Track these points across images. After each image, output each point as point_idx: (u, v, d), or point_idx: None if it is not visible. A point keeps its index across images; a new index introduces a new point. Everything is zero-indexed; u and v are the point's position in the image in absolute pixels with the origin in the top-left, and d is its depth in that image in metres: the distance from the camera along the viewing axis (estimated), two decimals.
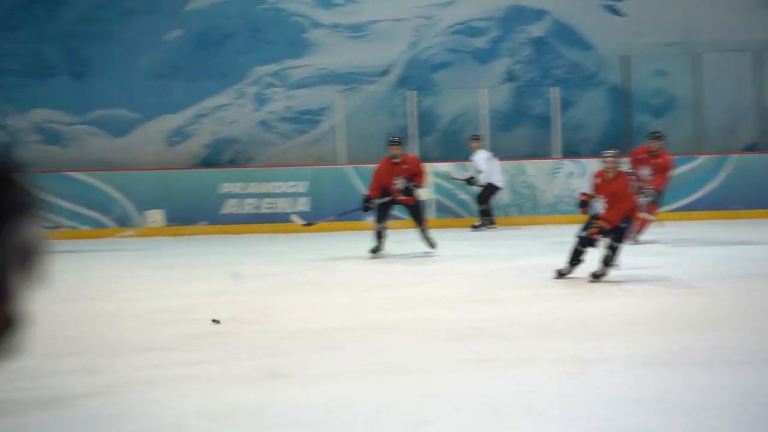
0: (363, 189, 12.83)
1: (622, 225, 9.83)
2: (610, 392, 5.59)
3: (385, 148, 12.83)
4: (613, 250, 9.78)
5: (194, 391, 5.75)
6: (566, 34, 18.11)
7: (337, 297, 9.48)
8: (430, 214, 16.28)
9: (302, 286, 10.29)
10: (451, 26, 18.13)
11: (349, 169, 16.44)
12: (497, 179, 16.02)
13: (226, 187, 16.60)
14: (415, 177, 12.51)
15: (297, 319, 8.29)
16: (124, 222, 16.35)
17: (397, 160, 12.49)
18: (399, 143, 12.59)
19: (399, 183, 12.47)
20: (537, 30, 18.11)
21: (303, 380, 6.04)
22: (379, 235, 12.44)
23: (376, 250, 12.42)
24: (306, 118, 17.95)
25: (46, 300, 9.57)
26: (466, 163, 16.42)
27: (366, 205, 12.45)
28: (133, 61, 17.46)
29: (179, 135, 17.64)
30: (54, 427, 5.12)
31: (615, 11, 18.12)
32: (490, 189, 16.00)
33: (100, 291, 10.19)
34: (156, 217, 16.39)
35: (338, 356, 6.74)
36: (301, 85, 17.93)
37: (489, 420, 5.10)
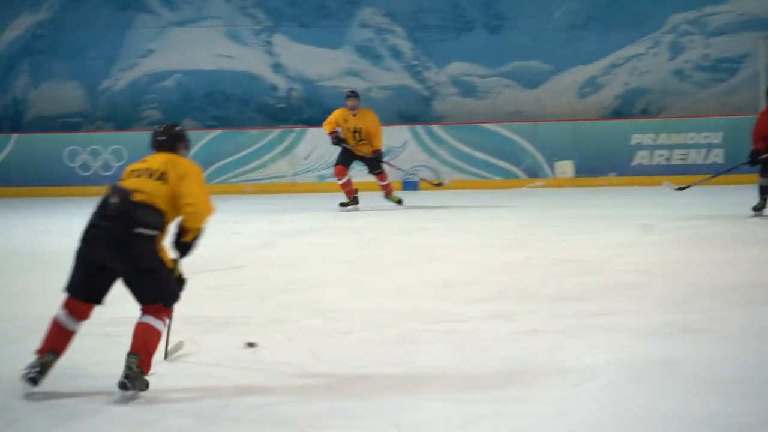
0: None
1: None
2: None
3: None
4: None
5: (606, 342, 5.78)
6: None
7: (748, 252, 9.11)
8: None
9: (709, 240, 9.98)
10: None
11: None
12: None
13: (637, 138, 16.37)
14: None
15: (707, 272, 8.08)
16: (534, 172, 16.61)
17: None
18: None
19: None
20: None
21: (716, 337, 5.88)
22: (763, 192, 11.59)
23: (758, 208, 11.63)
24: (723, 67, 17.23)
25: (457, 245, 9.96)
26: None
27: (752, 160, 11.61)
28: (548, 13, 17.56)
29: (591, 85, 17.58)
30: (471, 367, 5.34)
31: None
32: None
33: (511, 239, 10.46)
34: (566, 168, 16.50)
35: (758, 313, 6.49)
36: (720, 32, 17.20)
37: None
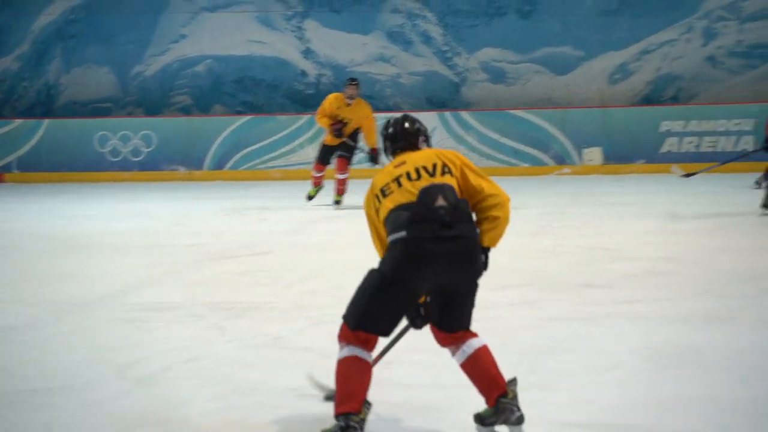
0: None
1: None
2: None
3: None
4: None
5: (632, 330, 5.76)
6: None
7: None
8: None
9: (736, 227, 9.91)
10: None
11: None
12: None
13: (667, 125, 16.26)
14: None
15: (734, 260, 8.02)
16: (562, 159, 16.55)
17: None
18: None
19: None
20: None
21: (743, 324, 5.85)
22: None
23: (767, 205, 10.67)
24: (757, 53, 17.08)
25: None
26: None
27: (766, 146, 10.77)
28: None
29: (622, 72, 17.48)
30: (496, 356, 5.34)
31: None
32: None
33: (537, 227, 10.43)
34: (594, 155, 16.43)
35: None
36: (756, 17, 17.04)
37: None
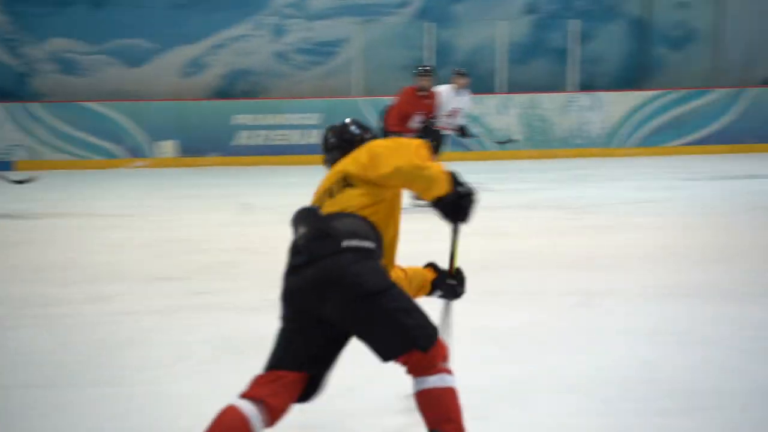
0: (375, 121, 12.51)
1: None
2: (614, 323, 5.66)
3: (403, 80, 12.08)
4: None
5: (201, 321, 5.85)
6: None
7: None
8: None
9: None
10: None
11: (363, 101, 16.39)
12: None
13: (239, 119, 16.58)
14: (430, 116, 11.06)
15: None
16: (136, 152, 16.38)
17: (423, 94, 10.96)
18: (431, 74, 10.86)
19: (416, 120, 11.02)
20: None
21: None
22: None
23: None
24: (323, 50, 17.87)
25: (59, 228, 9.68)
26: (482, 95, 16.29)
27: None
28: None
29: (195, 66, 17.60)
30: (64, 353, 5.22)
31: None
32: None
33: (111, 220, 10.28)
34: (168, 148, 16.42)
35: None
36: (321, 16, 17.81)
37: (490, 351, 5.16)
